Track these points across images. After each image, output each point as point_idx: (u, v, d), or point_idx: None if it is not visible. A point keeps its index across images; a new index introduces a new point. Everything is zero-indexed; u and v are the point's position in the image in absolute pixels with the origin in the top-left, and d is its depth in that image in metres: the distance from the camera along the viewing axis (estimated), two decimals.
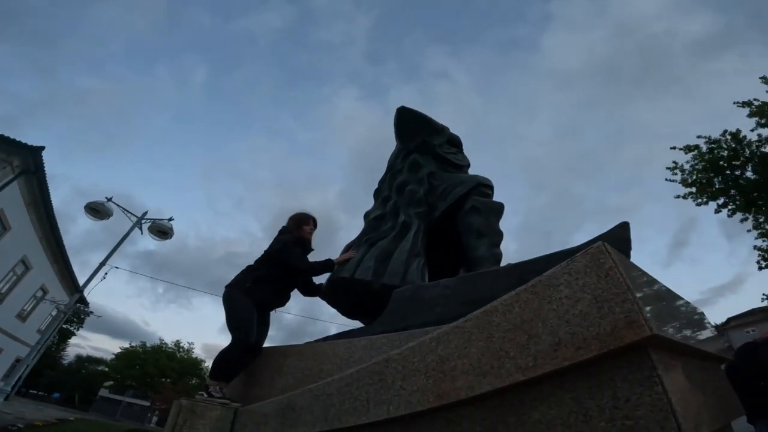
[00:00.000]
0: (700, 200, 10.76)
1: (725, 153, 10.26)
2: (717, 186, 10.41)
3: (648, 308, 0.92)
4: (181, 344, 41.77)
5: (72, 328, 42.08)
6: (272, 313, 3.14)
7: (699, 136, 10.57)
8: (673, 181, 10.97)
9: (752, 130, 10.08)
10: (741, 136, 10.21)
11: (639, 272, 1.10)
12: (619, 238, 1.80)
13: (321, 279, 3.32)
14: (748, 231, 10.58)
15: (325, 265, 3.04)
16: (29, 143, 12.81)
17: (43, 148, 13.04)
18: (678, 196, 10.99)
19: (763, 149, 10.10)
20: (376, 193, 3.74)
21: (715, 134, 10.57)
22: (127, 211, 10.98)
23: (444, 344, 1.24)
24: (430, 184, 3.30)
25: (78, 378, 50.48)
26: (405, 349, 1.39)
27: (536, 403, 1.03)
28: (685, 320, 1.23)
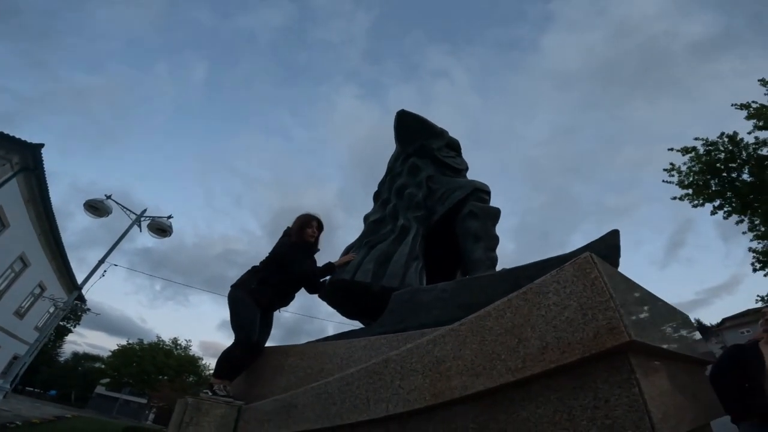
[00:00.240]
0: (696, 202, 10.78)
1: (722, 155, 10.29)
2: (713, 188, 10.45)
3: (629, 316, 0.99)
4: (179, 342, 41.69)
5: (69, 325, 42.01)
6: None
7: (696, 138, 10.59)
8: (670, 182, 10.99)
9: (749, 133, 10.10)
10: (738, 138, 10.21)
11: (624, 281, 1.17)
12: (609, 245, 1.89)
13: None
14: (744, 233, 10.58)
15: (326, 269, 3.09)
16: (28, 140, 12.84)
17: (42, 145, 13.07)
18: (674, 198, 11.02)
19: (760, 152, 10.10)
20: (376, 196, 3.81)
21: (714, 136, 10.59)
22: (126, 208, 11.02)
23: (440, 346, 1.32)
24: (429, 188, 3.37)
25: (74, 375, 50.41)
26: (403, 351, 1.46)
27: (525, 403, 1.10)
28: (667, 326, 1.29)
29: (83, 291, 11.72)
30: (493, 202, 3.22)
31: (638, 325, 1.02)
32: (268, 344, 3.08)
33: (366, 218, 3.63)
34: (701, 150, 10.46)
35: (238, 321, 2.86)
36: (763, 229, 10.36)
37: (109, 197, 10.42)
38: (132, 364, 36.84)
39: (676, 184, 10.93)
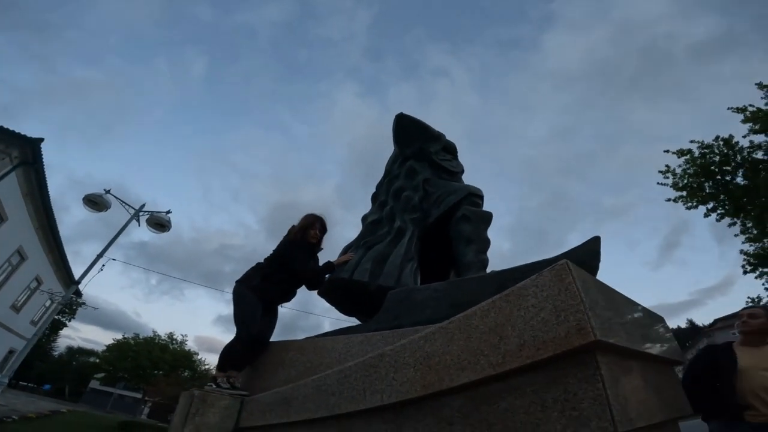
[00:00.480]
0: (690, 204, 10.85)
1: (717, 158, 10.36)
2: (707, 191, 10.53)
3: (596, 318, 1.10)
4: (175, 336, 41.61)
5: (64, 319, 41.94)
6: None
7: (692, 141, 10.65)
8: (665, 184, 11.05)
9: (744, 136, 10.16)
10: (733, 141, 10.27)
11: (597, 286, 1.28)
12: (590, 250, 2.03)
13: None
14: (736, 236, 10.65)
15: (326, 268, 3.23)
16: (26, 134, 12.88)
17: (42, 140, 13.13)
18: (669, 200, 11.11)
19: (754, 155, 10.16)
20: (374, 197, 3.93)
21: (711, 138, 10.65)
22: (126, 203, 11.09)
23: (431, 342, 1.44)
24: (425, 191, 3.50)
25: (69, 370, 50.38)
26: (397, 346, 1.59)
27: (504, 394, 1.22)
28: (636, 328, 1.40)
29: (81, 286, 11.76)
30: (491, 201, 3.37)
31: (605, 326, 1.13)
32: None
33: (364, 219, 3.75)
34: (696, 152, 10.54)
35: (240, 316, 2.98)
36: (755, 232, 10.43)
37: (108, 192, 10.48)
38: (127, 358, 36.73)
39: (671, 186, 11.01)
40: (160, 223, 11.17)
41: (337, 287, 3.20)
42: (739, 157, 10.29)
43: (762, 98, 9.82)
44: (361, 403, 1.64)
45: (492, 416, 1.23)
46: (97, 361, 42.64)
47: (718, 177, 10.48)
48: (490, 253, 3.09)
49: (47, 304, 22.35)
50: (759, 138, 10.10)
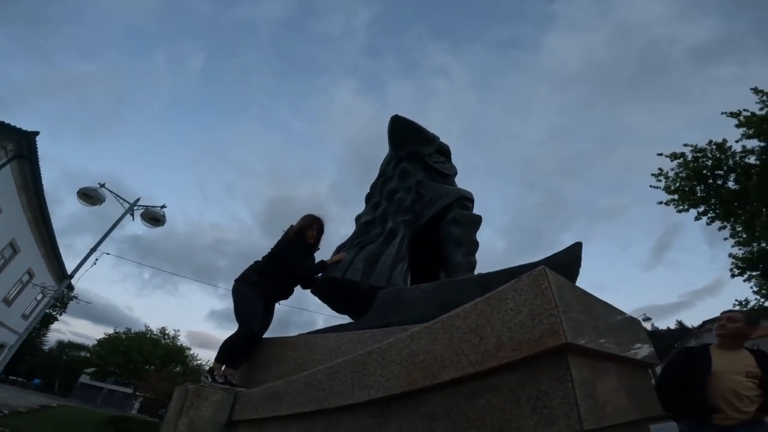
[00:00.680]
0: (681, 207, 10.92)
1: (709, 162, 10.45)
2: (698, 194, 10.62)
3: (569, 321, 1.17)
4: (167, 331, 41.42)
5: (55, 313, 41.68)
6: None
7: (685, 144, 10.73)
8: (657, 187, 11.12)
9: (737, 141, 10.23)
10: (726, 146, 10.33)
11: (573, 291, 1.34)
12: (572, 255, 2.13)
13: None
14: (725, 239, 10.75)
15: (319, 267, 3.32)
16: (22, 127, 12.87)
17: (37, 133, 13.12)
18: (660, 203, 11.19)
19: (746, 160, 10.22)
20: (368, 198, 4.01)
21: (705, 142, 10.67)
22: (120, 197, 11.06)
23: (416, 341, 1.52)
24: (418, 193, 3.58)
25: (59, 364, 50.04)
26: (384, 344, 1.66)
27: (483, 392, 1.29)
28: (609, 331, 1.46)
29: (73, 280, 11.74)
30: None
31: (577, 329, 1.19)
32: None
33: (357, 219, 3.83)
34: (689, 156, 10.62)
35: (241, 312, 3.05)
36: (744, 236, 10.47)
37: (102, 185, 10.44)
38: (118, 353, 36.55)
39: (663, 189, 11.09)
40: (154, 218, 11.12)
41: (329, 286, 3.28)
42: (731, 162, 10.36)
43: (757, 103, 9.87)
44: (350, 398, 1.71)
45: (471, 412, 1.30)
46: (88, 355, 42.43)
47: (710, 181, 10.56)
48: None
49: (39, 297, 22.23)
50: (752, 143, 10.12)
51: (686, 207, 11.02)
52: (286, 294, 3.36)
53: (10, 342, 19.43)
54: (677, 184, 10.90)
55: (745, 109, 10.04)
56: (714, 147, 10.52)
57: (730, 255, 10.73)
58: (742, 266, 10.60)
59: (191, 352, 42.31)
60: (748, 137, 10.02)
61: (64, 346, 56.25)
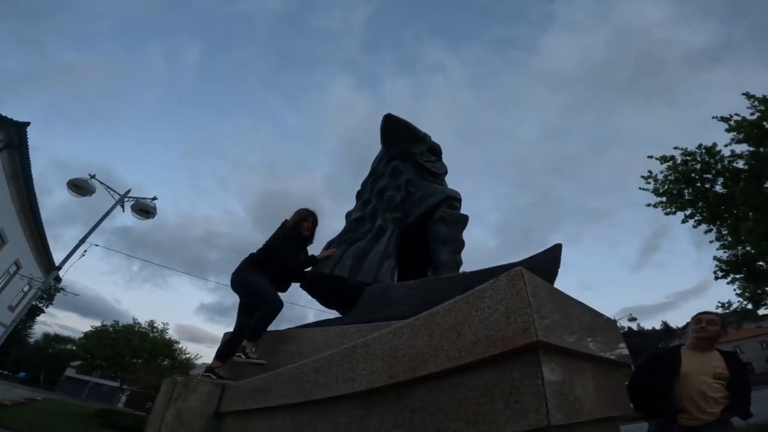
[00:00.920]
0: (668, 210, 11.04)
1: (698, 166, 10.56)
2: (686, 197, 10.75)
3: (541, 320, 1.22)
4: (155, 324, 41.08)
5: (41, 305, 41.20)
6: None
7: (675, 147, 10.84)
8: (646, 189, 11.25)
9: (726, 145, 10.32)
10: (716, 150, 10.43)
11: (548, 291, 1.39)
12: (551, 256, 2.20)
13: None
14: (711, 242, 10.89)
15: (309, 261, 3.38)
16: (13, 117, 12.75)
17: (28, 123, 13.05)
18: (649, 205, 11.30)
19: (735, 164, 10.34)
20: (359, 195, 4.06)
21: (696, 145, 10.82)
22: (110, 188, 10.99)
23: (398, 336, 1.57)
24: (408, 191, 3.64)
25: (45, 357, 49.53)
26: (369, 338, 1.72)
27: (460, 386, 1.34)
28: (585, 331, 1.51)
29: (61, 271, 11.66)
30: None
31: (549, 328, 1.25)
32: None
33: (348, 216, 3.88)
34: (679, 159, 10.75)
35: (258, 291, 3.10)
36: (729, 239, 10.59)
37: (93, 176, 10.37)
38: (105, 346, 36.21)
39: (652, 192, 11.21)
40: (145, 210, 11.05)
41: (318, 281, 3.34)
42: (719, 166, 10.48)
43: (748, 108, 9.97)
44: (334, 390, 1.77)
45: (448, 405, 1.36)
46: (74, 348, 41.96)
47: (698, 184, 10.69)
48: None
49: (26, 289, 21.98)
50: (741, 147, 10.22)
51: (674, 210, 11.13)
52: (284, 287, 3.40)
53: None
54: (666, 187, 11.02)
55: (736, 114, 10.14)
56: (703, 151, 10.63)
57: (714, 258, 10.86)
58: (726, 269, 10.74)
59: (180, 345, 42.07)
60: (738, 142, 10.13)
61: (51, 339, 55.73)
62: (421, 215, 3.41)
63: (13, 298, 23.30)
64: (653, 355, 2.98)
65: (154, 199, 11.19)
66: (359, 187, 4.14)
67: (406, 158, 3.90)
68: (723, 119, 10.35)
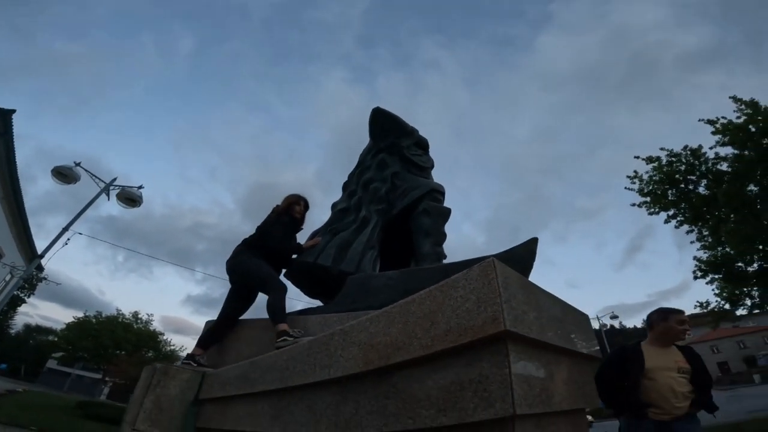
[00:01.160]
0: (652, 210, 11.25)
1: (683, 167, 10.77)
2: (670, 198, 10.96)
3: (510, 310, 1.25)
4: (140, 316, 40.62)
5: (23, 296, 40.47)
6: None
7: (662, 149, 11.02)
8: (632, 189, 11.44)
9: (711, 148, 10.51)
10: (701, 152, 10.61)
11: (519, 282, 1.42)
12: (527, 249, 2.26)
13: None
14: (692, 242, 11.12)
15: (296, 250, 3.38)
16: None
17: (14, 111, 12.84)
18: (633, 204, 11.49)
19: (719, 167, 10.57)
20: (345, 186, 4.09)
21: (683, 147, 11.02)
22: (96, 176, 10.85)
23: (375, 324, 1.60)
24: (393, 184, 3.68)
25: (25, 348, 48.71)
26: (346, 326, 1.75)
27: (431, 373, 1.37)
28: (555, 324, 1.54)
29: (44, 260, 11.49)
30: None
31: (518, 318, 1.28)
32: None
33: (333, 206, 3.92)
34: (664, 160, 10.94)
35: (261, 276, 3.06)
36: (710, 240, 10.81)
37: (78, 164, 10.23)
38: (88, 337, 35.69)
39: (637, 192, 11.40)
40: (131, 198, 10.92)
41: (302, 270, 3.37)
42: (704, 168, 10.69)
43: (734, 111, 10.13)
44: (311, 377, 1.80)
45: (420, 392, 1.38)
46: (56, 339, 41.34)
47: (682, 185, 10.92)
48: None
49: (7, 278, 21.60)
50: (726, 150, 10.40)
51: (657, 210, 11.32)
52: (277, 271, 3.33)
53: None
54: (650, 187, 11.21)
55: (723, 117, 10.29)
56: (689, 152, 10.81)
57: (694, 258, 11.07)
58: (705, 269, 10.94)
59: (165, 337, 41.70)
60: (723, 144, 10.31)
61: (32, 330, 54.74)
62: (405, 207, 3.45)
63: None
64: (617, 351, 3.01)
65: (140, 188, 11.08)
66: (345, 180, 4.18)
67: (393, 151, 3.94)
68: (710, 122, 10.51)
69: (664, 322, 2.95)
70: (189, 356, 3.03)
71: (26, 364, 47.11)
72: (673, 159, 10.99)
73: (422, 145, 4.21)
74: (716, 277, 10.81)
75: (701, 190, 10.95)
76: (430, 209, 3.32)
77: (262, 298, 3.13)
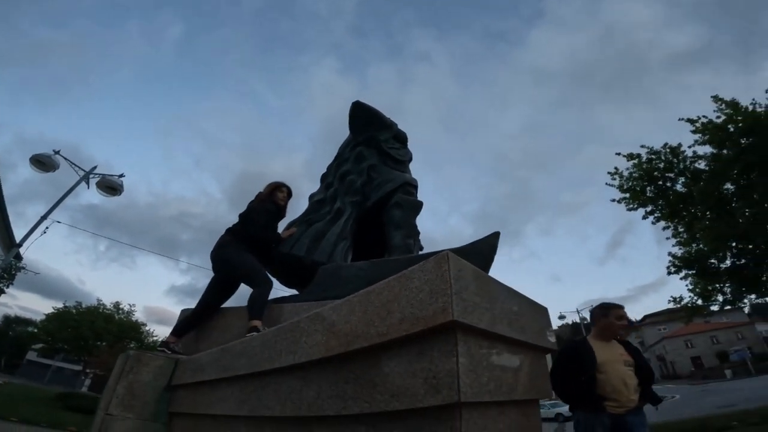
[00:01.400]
0: (631, 206, 11.43)
1: (662, 164, 10.96)
2: (648, 194, 11.17)
3: (460, 302, 1.30)
4: (121, 306, 39.91)
5: (1, 285, 39.53)
6: None
7: (642, 146, 11.19)
8: (612, 185, 11.61)
9: (690, 147, 10.71)
10: (680, 150, 10.80)
11: (475, 276, 1.48)
12: (488, 244, 2.35)
13: None
14: (668, 239, 11.36)
15: (275, 238, 3.39)
16: None
17: None
18: (613, 200, 11.69)
19: (696, 165, 10.78)
20: (323, 178, 4.14)
21: (663, 145, 11.18)
22: (75, 164, 10.70)
23: (337, 312, 1.67)
24: (369, 176, 3.73)
25: (5, 340, 47.82)
26: (311, 314, 1.81)
27: (387, 360, 1.43)
28: (508, 316, 1.60)
29: (22, 249, 11.31)
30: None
31: (468, 309, 1.33)
32: None
33: (311, 197, 3.97)
34: (644, 157, 11.11)
35: (246, 268, 3.08)
36: (685, 236, 11.03)
37: (57, 152, 10.09)
38: (68, 328, 35.03)
39: (617, 188, 11.57)
40: (111, 187, 10.80)
41: (277, 260, 3.43)
42: (682, 165, 10.90)
43: (714, 111, 10.28)
44: (277, 362, 1.87)
45: (377, 378, 1.45)
46: (36, 331, 40.50)
47: (660, 182, 11.12)
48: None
49: None
50: (705, 149, 10.59)
51: (635, 206, 11.51)
52: (264, 258, 3.33)
53: None
54: (630, 184, 11.39)
55: (703, 116, 10.45)
56: (668, 150, 11.00)
57: (669, 253, 11.29)
58: (679, 265, 11.15)
59: (147, 328, 41.15)
60: (702, 143, 10.48)
61: (11, 321, 53.64)
62: (378, 199, 3.52)
63: None
64: (569, 346, 3.04)
65: (121, 176, 10.96)
66: (323, 172, 4.23)
67: (372, 144, 3.98)
68: (689, 120, 10.68)
69: (604, 318, 3.03)
70: (163, 343, 3.08)
71: (6, 356, 46.28)
72: (653, 156, 11.17)
73: (401, 138, 4.26)
74: (690, 273, 11.06)
75: (678, 187, 11.17)
76: (402, 202, 3.40)
77: (244, 289, 3.18)
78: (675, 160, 11.09)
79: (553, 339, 1.98)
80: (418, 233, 3.54)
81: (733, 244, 10.49)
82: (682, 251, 11.30)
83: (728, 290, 11.04)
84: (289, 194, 3.69)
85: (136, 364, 2.64)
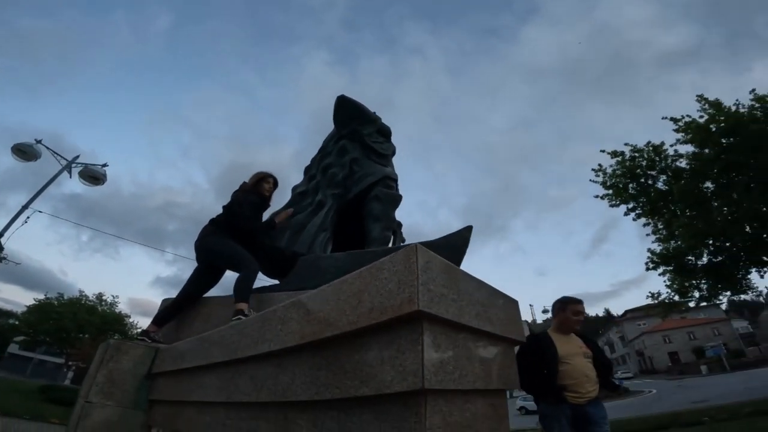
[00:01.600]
0: (614, 203, 11.65)
1: (644, 162, 11.20)
2: (630, 191, 11.40)
3: (426, 292, 1.35)
4: (104, 297, 39.29)
5: None
6: None
7: (626, 144, 11.43)
8: (596, 182, 11.85)
9: (672, 145, 10.96)
10: (662, 148, 11.04)
11: (443, 268, 1.52)
12: (461, 236, 2.43)
13: None
14: (647, 235, 11.62)
15: (267, 226, 3.34)
16: None
17: None
18: (597, 196, 11.88)
19: (678, 164, 11.04)
20: (306, 170, 4.18)
21: (646, 143, 11.44)
22: (57, 154, 10.55)
23: (312, 301, 1.72)
24: (351, 170, 3.76)
25: None
26: (288, 303, 1.86)
27: (358, 348, 1.49)
28: (476, 307, 1.64)
29: (3, 239, 11.13)
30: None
31: (434, 300, 1.38)
32: None
33: (294, 189, 4.03)
34: (628, 155, 11.33)
35: (231, 255, 3.06)
36: (664, 233, 11.30)
37: (39, 142, 9.95)
38: (49, 321, 34.39)
39: (601, 184, 11.80)
40: (94, 176, 10.64)
41: (259, 251, 3.47)
42: (663, 164, 11.15)
43: (698, 111, 10.48)
44: (254, 350, 1.92)
45: (348, 365, 1.51)
46: (17, 323, 39.74)
47: (642, 180, 11.34)
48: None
49: None
50: (687, 148, 10.80)
51: (618, 202, 11.73)
52: (252, 249, 3.26)
53: None
54: (613, 181, 11.60)
55: (687, 115, 10.61)
56: (651, 148, 11.21)
57: (648, 249, 11.52)
58: (657, 261, 11.39)
59: (131, 320, 40.62)
60: (684, 142, 10.68)
61: None
62: (359, 192, 3.58)
63: None
64: (532, 339, 3.05)
65: (105, 165, 10.82)
66: (307, 164, 4.27)
67: (355, 138, 4.01)
68: (673, 120, 10.85)
69: (562, 312, 3.13)
70: (143, 333, 3.12)
71: None
72: (636, 154, 11.40)
73: (384, 132, 4.29)
74: (667, 269, 11.32)
75: (660, 185, 11.40)
76: (382, 195, 3.46)
77: (227, 280, 3.19)
78: (657, 158, 11.30)
79: (522, 331, 2.03)
80: (400, 225, 3.60)
81: (710, 242, 10.72)
82: (660, 248, 11.52)
83: (704, 287, 11.31)
84: (275, 185, 3.61)
85: (116, 353, 2.68)
